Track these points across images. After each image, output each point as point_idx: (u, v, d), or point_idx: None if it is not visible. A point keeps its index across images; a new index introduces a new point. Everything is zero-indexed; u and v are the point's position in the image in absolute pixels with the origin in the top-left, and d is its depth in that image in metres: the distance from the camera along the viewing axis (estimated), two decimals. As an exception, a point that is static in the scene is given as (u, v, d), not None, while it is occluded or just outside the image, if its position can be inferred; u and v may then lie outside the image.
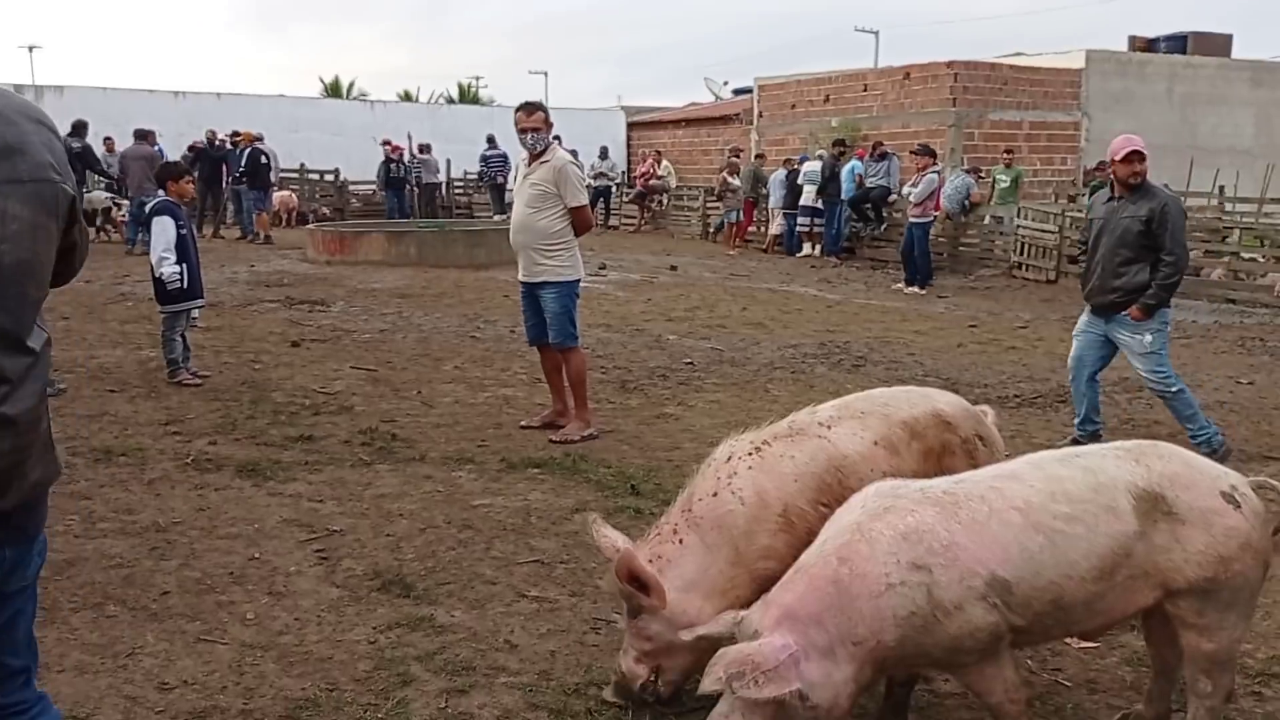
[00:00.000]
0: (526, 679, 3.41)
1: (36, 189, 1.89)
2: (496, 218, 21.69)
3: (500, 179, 23.49)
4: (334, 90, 41.07)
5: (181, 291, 7.63)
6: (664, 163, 25.56)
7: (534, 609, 4.00)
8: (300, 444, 6.17)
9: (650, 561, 2.96)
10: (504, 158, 23.31)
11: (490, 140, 24.69)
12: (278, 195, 23.01)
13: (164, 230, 7.55)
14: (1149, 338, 6.27)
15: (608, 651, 3.60)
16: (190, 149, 20.35)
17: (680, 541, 3.00)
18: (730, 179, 20.17)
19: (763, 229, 20.61)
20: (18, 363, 1.88)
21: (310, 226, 18.18)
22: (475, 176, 26.76)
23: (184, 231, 7.67)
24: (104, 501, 5.04)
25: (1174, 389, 6.35)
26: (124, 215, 17.65)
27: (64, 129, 19.62)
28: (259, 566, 4.31)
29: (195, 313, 8.04)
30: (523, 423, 6.87)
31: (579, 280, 6.71)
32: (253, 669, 3.43)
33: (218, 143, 20.13)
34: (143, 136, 17.26)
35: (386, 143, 23.46)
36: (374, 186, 24.39)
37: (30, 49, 34.80)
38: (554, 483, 5.61)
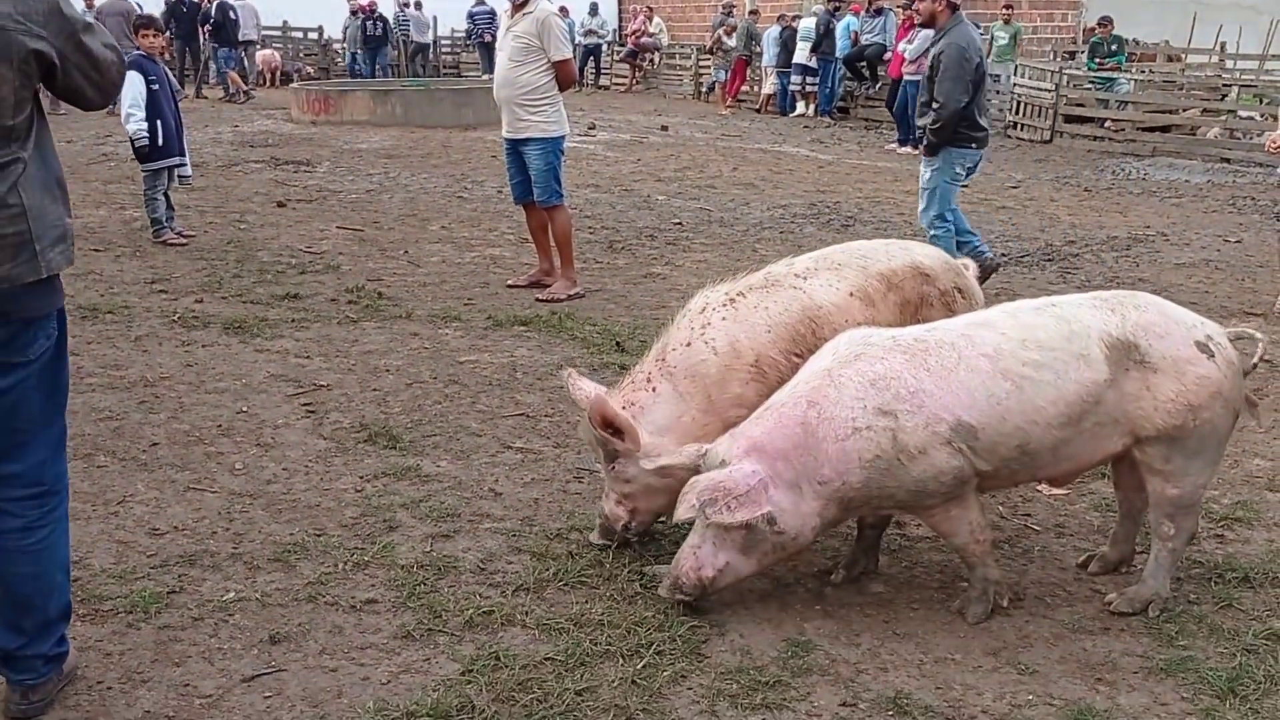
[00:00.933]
0: (509, 525, 3.51)
1: None
2: (485, 76, 21.24)
3: (488, 37, 22.87)
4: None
5: (157, 149, 7.51)
6: (655, 19, 24.89)
7: (518, 459, 4.08)
8: (287, 302, 6.19)
9: (624, 408, 3.01)
10: (492, 14, 22.66)
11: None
12: (260, 54, 22.53)
13: (131, 86, 7.26)
14: (927, 174, 6.67)
15: (589, 499, 3.69)
16: (166, 4, 19.75)
17: (654, 390, 3.05)
18: (726, 39, 19.69)
19: (756, 88, 20.21)
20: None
21: (294, 85, 17.81)
22: (463, 34, 26.08)
23: (155, 87, 7.47)
24: (91, 357, 5.07)
25: (931, 232, 6.62)
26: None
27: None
28: (247, 420, 4.38)
29: (187, 170, 7.97)
30: (509, 282, 6.88)
31: (564, 136, 6.62)
32: (241, 515, 3.52)
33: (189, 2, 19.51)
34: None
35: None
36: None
37: None
38: (540, 340, 5.65)
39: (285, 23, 24.93)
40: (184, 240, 7.66)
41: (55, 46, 2.29)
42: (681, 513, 2.64)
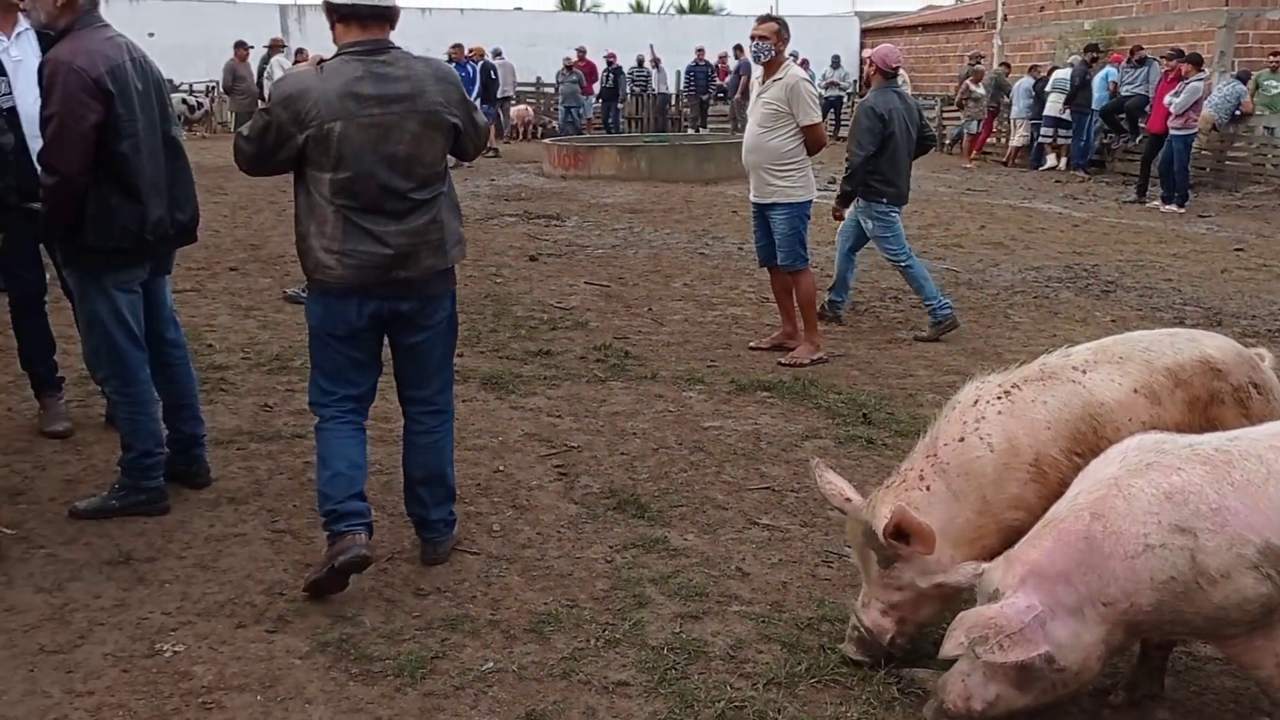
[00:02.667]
0: (759, 609, 3.46)
1: (424, 114, 3.42)
2: (702, 131, 21.60)
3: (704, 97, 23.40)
4: (569, 4, 41.48)
5: None
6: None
7: (765, 537, 4.03)
8: (539, 359, 6.39)
9: (899, 508, 2.90)
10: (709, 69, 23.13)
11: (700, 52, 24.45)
12: (515, 109, 23.62)
13: None
14: (869, 224, 7.34)
15: (839, 586, 3.60)
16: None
17: (927, 488, 2.93)
18: (974, 87, 19.18)
19: (1003, 140, 19.57)
20: (419, 220, 3.46)
21: (546, 141, 18.57)
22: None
23: None
24: (363, 410, 5.40)
25: (904, 265, 7.34)
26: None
27: (318, 43, 20.82)
28: (503, 480, 4.52)
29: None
30: (752, 344, 6.87)
31: (810, 201, 6.58)
32: (499, 580, 3.63)
33: (460, 59, 20.72)
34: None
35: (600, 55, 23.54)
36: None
37: None
38: (784, 407, 5.60)
39: (539, 79, 26.10)
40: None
41: (461, 121, 3.54)
42: (949, 649, 2.49)
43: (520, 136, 23.72)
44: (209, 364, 6.03)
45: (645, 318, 7.61)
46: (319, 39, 21.68)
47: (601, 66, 23.70)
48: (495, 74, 20.14)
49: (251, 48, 17.32)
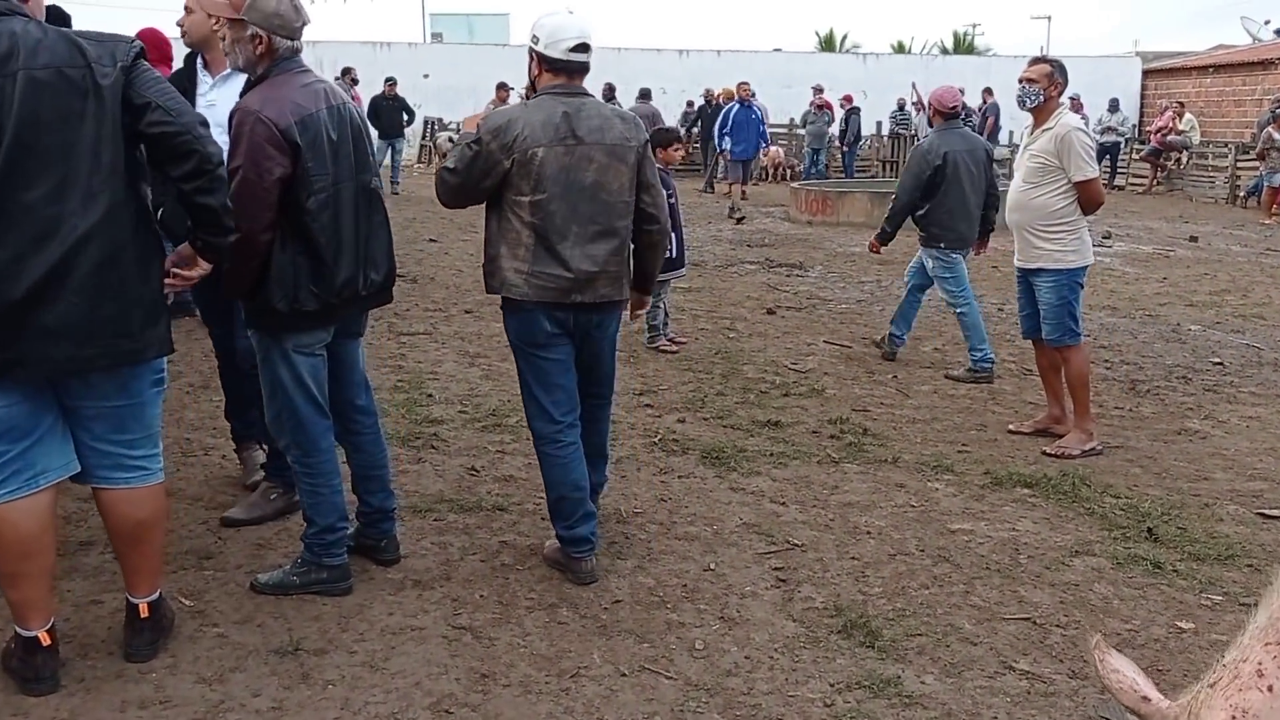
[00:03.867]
0: (1012, 795, 2.76)
1: (609, 147, 3.79)
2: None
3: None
4: (828, 44, 40.93)
5: (669, 261, 7.58)
6: (1186, 116, 22.53)
7: (1023, 687, 3.31)
8: (767, 431, 5.84)
9: (1233, 718, 2.16)
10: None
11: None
12: (766, 151, 23.24)
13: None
14: (929, 263, 7.33)
15: (1120, 773, 2.84)
16: (692, 106, 21.15)
17: (1268, 689, 2.17)
18: (1276, 134, 17.24)
19: (1311, 195, 17.45)
20: (603, 247, 3.83)
21: (794, 185, 18.04)
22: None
23: (671, 201, 7.56)
24: (572, 480, 5.01)
25: (959, 309, 7.28)
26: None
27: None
28: (714, 581, 3.99)
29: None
30: (1011, 426, 6.06)
31: (1084, 268, 5.73)
32: (694, 716, 3.09)
33: (715, 102, 20.60)
34: (645, 96, 18.24)
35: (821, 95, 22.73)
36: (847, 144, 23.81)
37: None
38: (1048, 509, 4.80)
39: (792, 120, 25.65)
40: (675, 348, 7.66)
41: (642, 159, 3.94)
42: None
43: (770, 178, 23.30)
44: (425, 417, 5.83)
45: (889, 386, 6.92)
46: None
47: (839, 108, 22.97)
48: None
49: (512, 89, 17.70)
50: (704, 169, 20.45)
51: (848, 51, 37.48)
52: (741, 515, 4.64)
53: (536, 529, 4.39)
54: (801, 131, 24.07)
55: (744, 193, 18.79)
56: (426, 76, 29.52)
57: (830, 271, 11.48)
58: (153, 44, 7.37)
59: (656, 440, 5.60)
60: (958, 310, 7.26)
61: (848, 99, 23.30)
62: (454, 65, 28.98)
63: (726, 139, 18.16)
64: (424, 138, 26.77)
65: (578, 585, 3.92)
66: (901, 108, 24.29)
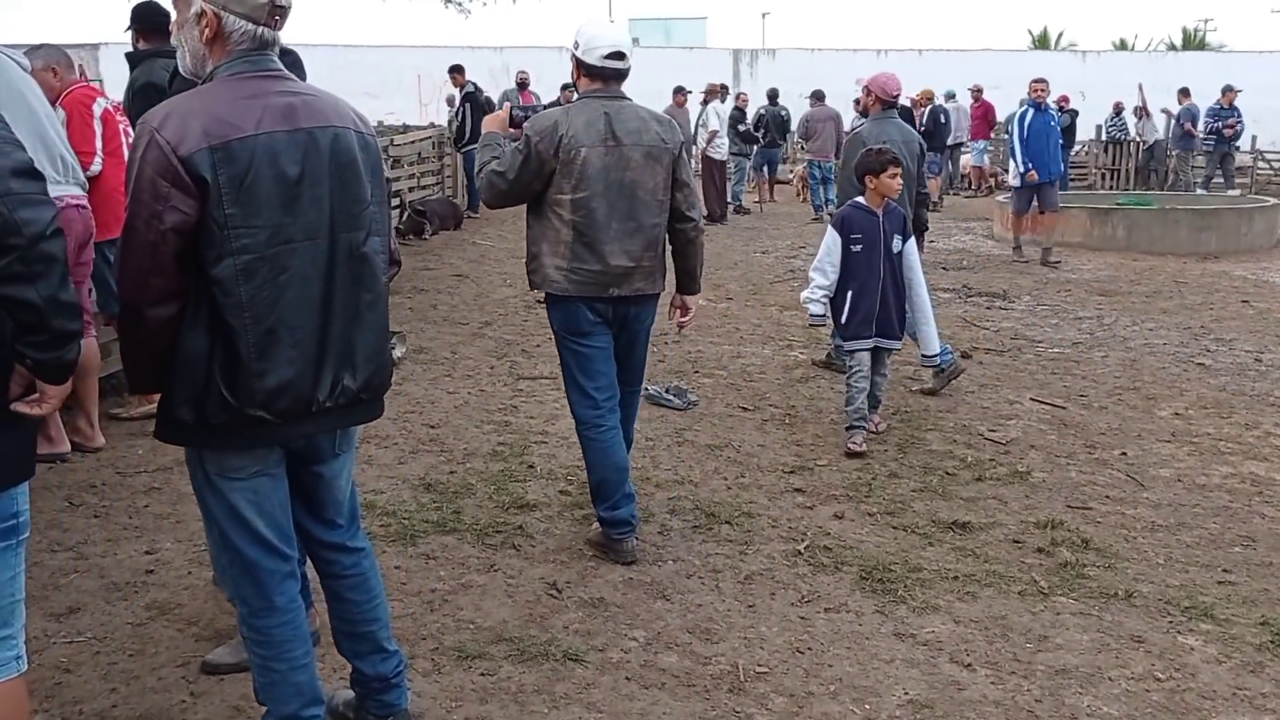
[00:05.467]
0: None
1: (646, 149, 4.01)
2: (1232, 193, 17.87)
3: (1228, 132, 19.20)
4: (1042, 42, 38.16)
5: (880, 324, 6.14)
6: None
7: None
8: (951, 535, 4.48)
9: None
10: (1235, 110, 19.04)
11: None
12: (967, 158, 21.36)
13: (827, 246, 5.66)
14: None
15: None
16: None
17: None
18: None
19: None
20: (637, 243, 4.06)
21: (999, 198, 16.20)
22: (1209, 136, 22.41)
23: (898, 251, 5.69)
24: (680, 605, 3.79)
25: None
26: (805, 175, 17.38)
27: (763, 85, 19.97)
28: (854, 818, 2.71)
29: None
30: (1292, 542, 4.49)
31: None
32: None
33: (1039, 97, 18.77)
34: (819, 97, 16.88)
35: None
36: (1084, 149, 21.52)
37: (764, 15, 37.03)
38: (1367, 699, 3.28)
39: (997, 124, 23.54)
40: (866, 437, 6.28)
41: (677, 159, 4.14)
42: None
43: (972, 188, 21.37)
44: (515, 500, 4.73)
45: (1116, 469, 5.39)
46: (769, 82, 20.69)
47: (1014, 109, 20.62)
48: (945, 118, 18.08)
49: (689, 93, 16.59)
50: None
51: (1063, 49, 34.68)
52: (908, 685, 3.32)
53: (615, 697, 3.20)
54: (1006, 136, 21.97)
55: (1028, 226, 12.73)
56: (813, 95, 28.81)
57: (1040, 304, 9.83)
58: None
59: (802, 548, 4.32)
60: None
61: (1063, 100, 21.08)
62: (639, 69, 28.09)
63: (1019, 155, 12.28)
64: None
65: (620, 564, 4.10)
66: (1119, 113, 21.87)
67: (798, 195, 18.57)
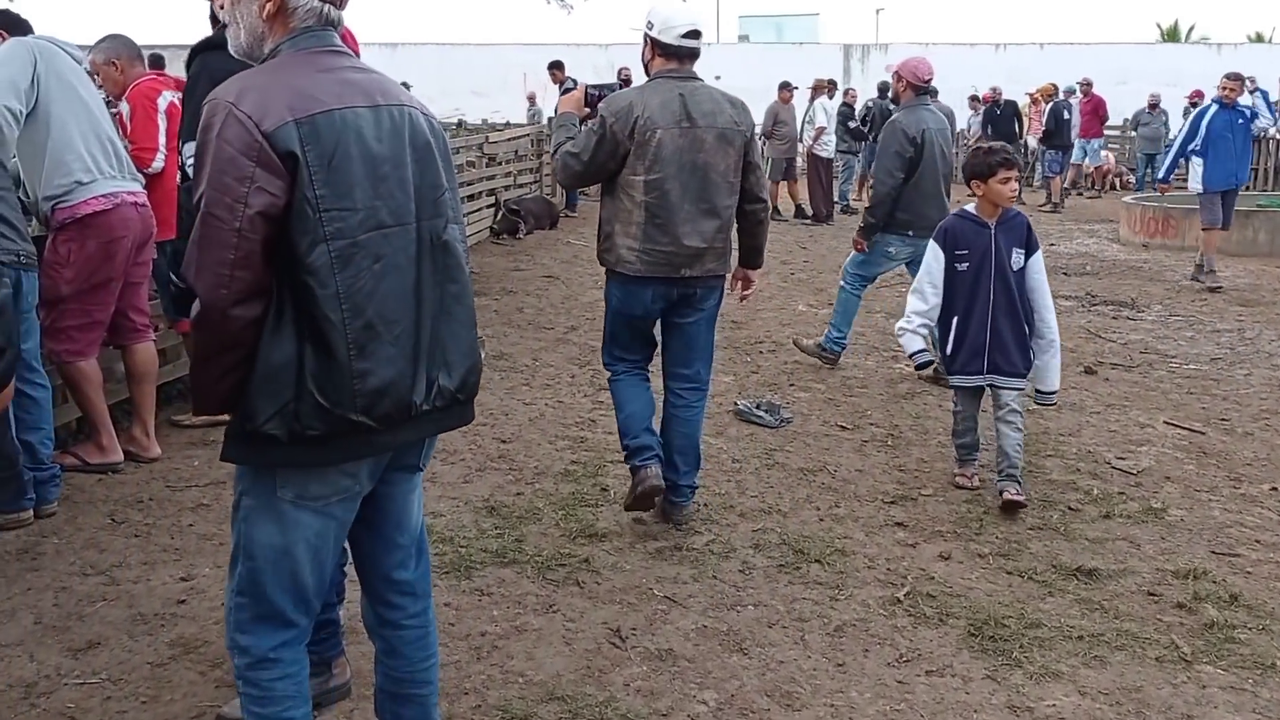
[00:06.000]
0: None
1: (720, 130, 4.00)
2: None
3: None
4: (1171, 35, 36.40)
5: (996, 361, 5.54)
6: None
7: None
8: (1075, 584, 3.92)
9: None
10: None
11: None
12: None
13: (927, 264, 4.86)
14: (890, 249, 6.58)
15: None
16: (971, 102, 18.75)
17: None
18: None
19: None
20: (710, 224, 4.04)
21: (1126, 199, 15.23)
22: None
23: (1021, 267, 4.76)
24: (758, 663, 3.33)
25: (849, 288, 6.77)
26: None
27: (874, 80, 19.25)
28: None
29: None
30: None
31: None
32: None
33: (1004, 99, 18.00)
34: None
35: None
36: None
37: (877, 11, 36.19)
38: None
39: (1125, 121, 22.37)
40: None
41: (748, 143, 4.14)
42: None
43: (1096, 188, 20.30)
44: (583, 528, 4.31)
45: (1266, 507, 4.75)
46: (881, 79, 20.02)
47: (1186, 105, 19.45)
48: (1069, 114, 17.15)
49: (796, 89, 16.01)
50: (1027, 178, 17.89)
51: (1195, 42, 32.97)
52: (1023, 776, 2.81)
53: None
54: (1134, 134, 20.82)
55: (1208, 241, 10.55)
56: (718, 78, 28.31)
57: (1173, 315, 9.04)
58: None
59: (902, 595, 3.81)
60: (845, 285, 6.81)
61: (1196, 96, 19.86)
62: (748, 65, 27.62)
63: (1197, 161, 10.38)
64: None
65: (644, 491, 4.16)
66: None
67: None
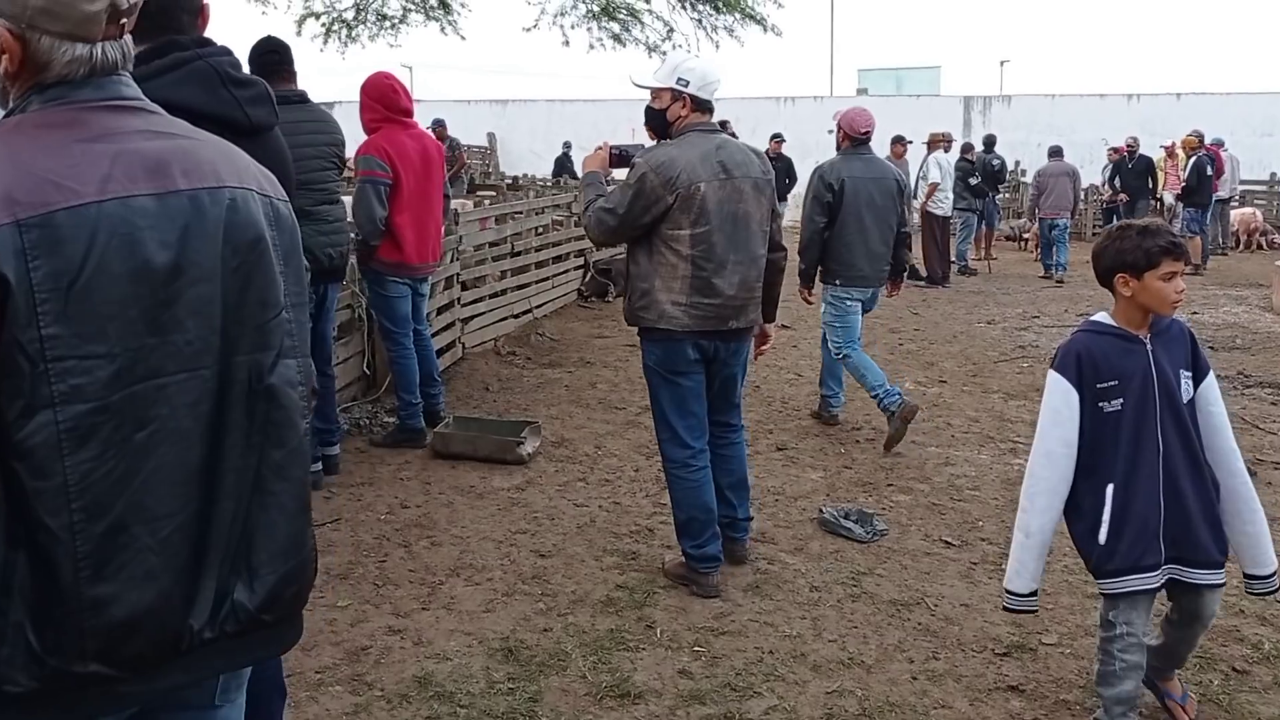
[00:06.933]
0: None
1: (754, 180, 4.09)
2: None
3: None
4: (1322, 81, 34.22)
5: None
6: None
7: None
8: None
9: None
10: None
11: None
12: (1237, 213, 18.82)
13: (1052, 408, 3.26)
14: (823, 306, 6.71)
15: None
16: (1110, 154, 17.57)
17: None
18: None
19: None
20: (752, 273, 4.14)
21: None
22: None
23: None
24: None
25: (840, 355, 6.57)
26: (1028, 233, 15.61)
27: (997, 133, 18.20)
28: None
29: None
30: None
31: None
32: None
33: (1138, 151, 16.83)
34: (1056, 153, 15.23)
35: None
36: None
37: (1001, 63, 35.43)
38: None
39: (1273, 174, 20.78)
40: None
41: (774, 191, 4.26)
42: None
43: (1242, 248, 18.78)
44: (614, 682, 3.51)
45: None
46: (1004, 132, 18.97)
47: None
48: (1211, 169, 15.84)
49: (910, 142, 15.11)
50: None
51: (1351, 91, 30.84)
52: None
53: None
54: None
55: None
56: (831, 132, 27.51)
57: (1345, 400, 7.83)
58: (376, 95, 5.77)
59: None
60: (841, 357, 6.56)
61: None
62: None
63: None
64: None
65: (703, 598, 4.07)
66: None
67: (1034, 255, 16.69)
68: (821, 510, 5.10)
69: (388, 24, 16.16)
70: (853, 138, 6.57)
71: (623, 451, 6.12)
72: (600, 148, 4.34)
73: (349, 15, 16.00)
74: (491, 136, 28.75)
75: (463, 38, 16.91)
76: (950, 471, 5.94)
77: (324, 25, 15.98)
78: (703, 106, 4.11)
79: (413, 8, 16.01)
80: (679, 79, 4.08)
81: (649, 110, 4.20)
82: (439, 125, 18.24)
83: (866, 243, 6.44)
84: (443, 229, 6.15)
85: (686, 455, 4.19)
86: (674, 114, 4.11)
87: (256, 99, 2.27)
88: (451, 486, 5.43)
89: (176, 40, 2.15)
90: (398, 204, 5.60)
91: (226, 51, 2.24)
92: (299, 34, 16.38)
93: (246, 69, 5.07)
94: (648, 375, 4.24)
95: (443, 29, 16.19)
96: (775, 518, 5.13)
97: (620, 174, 4.30)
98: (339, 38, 16.07)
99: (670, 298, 4.01)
